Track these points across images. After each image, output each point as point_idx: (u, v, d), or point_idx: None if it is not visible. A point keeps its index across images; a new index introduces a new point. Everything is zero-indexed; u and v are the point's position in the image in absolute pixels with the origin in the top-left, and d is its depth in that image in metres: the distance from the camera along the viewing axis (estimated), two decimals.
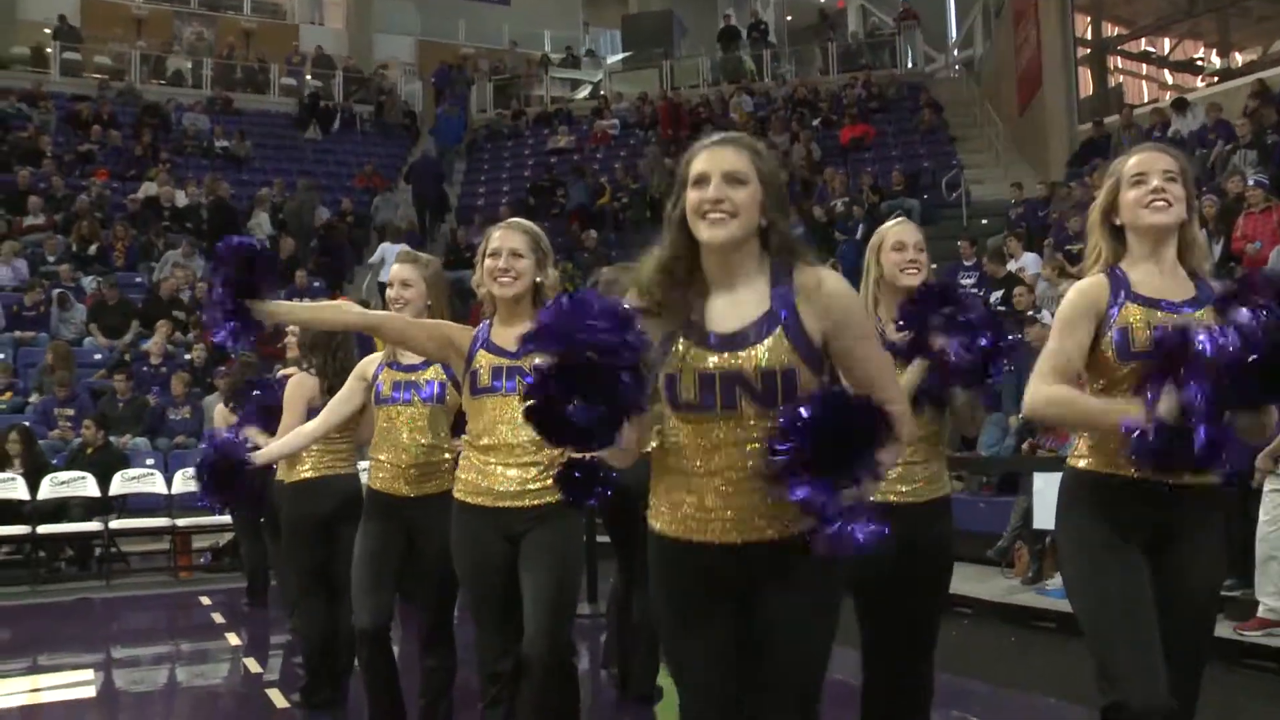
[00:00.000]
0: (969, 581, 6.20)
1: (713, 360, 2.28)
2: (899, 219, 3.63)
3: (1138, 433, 2.55)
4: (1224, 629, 5.73)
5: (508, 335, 3.48)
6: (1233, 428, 2.52)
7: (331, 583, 5.08)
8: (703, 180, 2.28)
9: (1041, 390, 2.77)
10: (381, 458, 4.08)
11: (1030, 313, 9.86)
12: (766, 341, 2.26)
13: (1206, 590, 2.81)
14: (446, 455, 4.03)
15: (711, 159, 2.29)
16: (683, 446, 2.33)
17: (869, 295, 3.49)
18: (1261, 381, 2.44)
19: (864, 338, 2.34)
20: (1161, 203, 2.76)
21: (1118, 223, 2.85)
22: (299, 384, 4.96)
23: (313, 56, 23.32)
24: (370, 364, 4.20)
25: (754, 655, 2.36)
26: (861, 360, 2.31)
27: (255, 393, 5.72)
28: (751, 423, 2.27)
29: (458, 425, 3.96)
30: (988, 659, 6.03)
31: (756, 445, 2.26)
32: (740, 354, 2.26)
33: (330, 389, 4.60)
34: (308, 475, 4.94)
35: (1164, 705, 2.61)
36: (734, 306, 2.30)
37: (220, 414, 7.87)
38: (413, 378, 4.04)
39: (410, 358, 4.07)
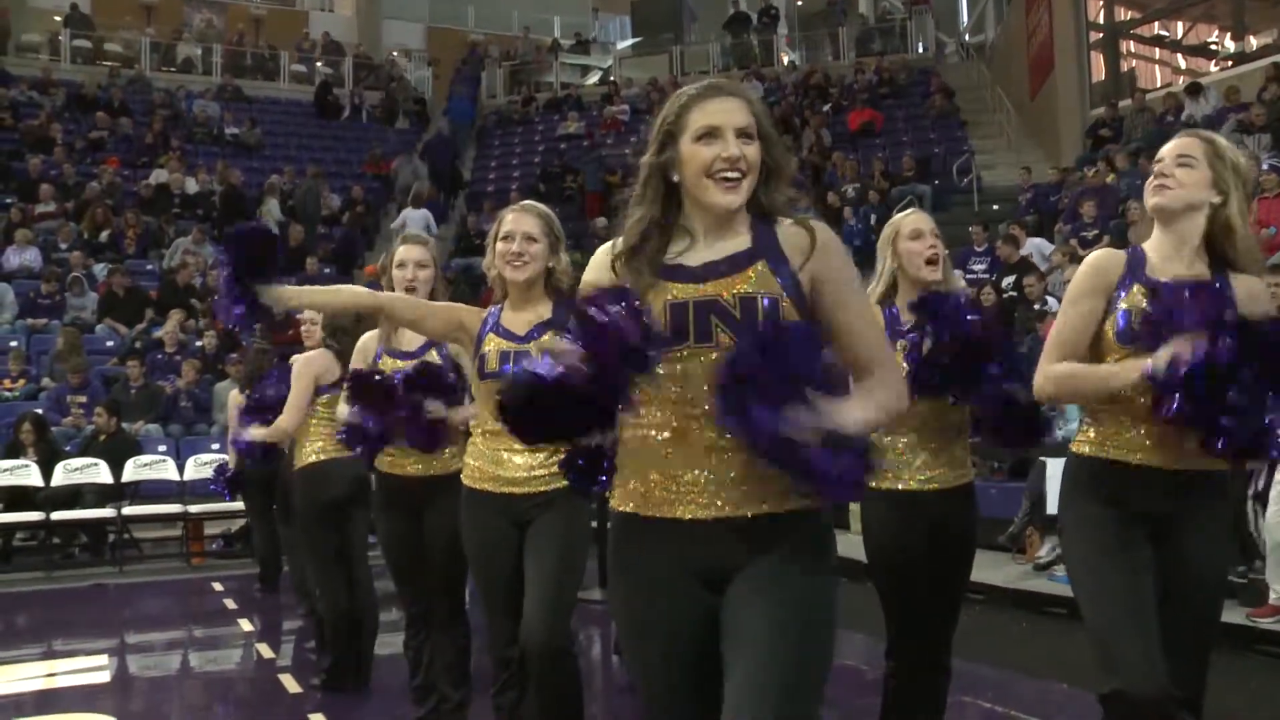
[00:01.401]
0: (981, 567, 6.12)
1: (688, 289, 2.10)
2: (911, 209, 3.64)
3: (1165, 377, 2.51)
4: (1237, 615, 5.73)
5: (518, 320, 3.47)
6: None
7: (350, 565, 5.11)
8: (713, 135, 2.11)
9: (1045, 370, 2.78)
10: None
11: (1038, 305, 9.83)
12: (747, 270, 2.10)
13: (1211, 578, 2.80)
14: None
15: (722, 113, 2.12)
16: (654, 402, 2.09)
17: (884, 286, 3.49)
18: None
19: (856, 290, 2.17)
20: (1161, 185, 2.76)
21: None
22: (308, 361, 4.96)
23: (322, 43, 23.30)
24: (366, 350, 4.17)
25: (737, 655, 2.06)
26: (855, 313, 2.13)
27: (270, 381, 5.75)
28: None
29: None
30: (999, 644, 6.02)
31: None
32: (718, 282, 2.10)
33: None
34: (315, 460, 4.96)
35: (1162, 693, 2.61)
36: (713, 248, 2.15)
37: (234, 401, 7.89)
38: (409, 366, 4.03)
39: (408, 344, 4.06)
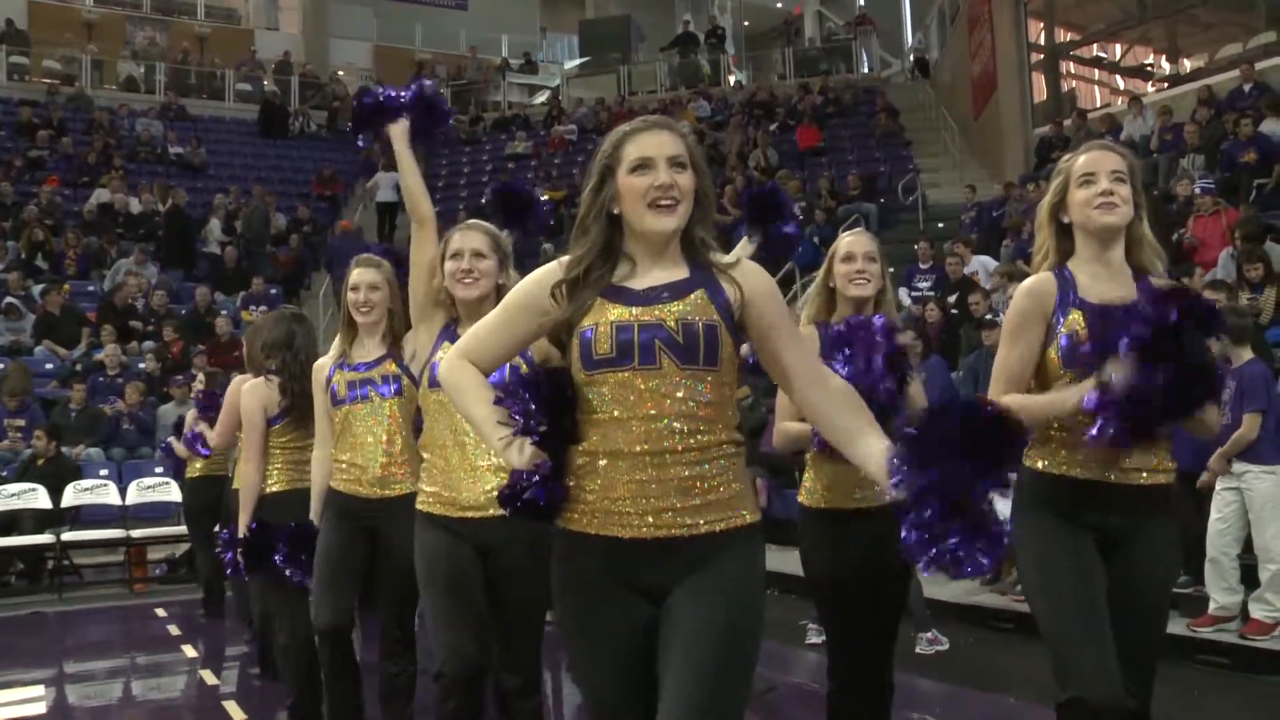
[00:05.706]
0: (927, 583, 6.23)
1: (632, 312, 2.20)
2: (857, 229, 3.68)
3: (1100, 405, 2.59)
4: (1178, 625, 5.81)
5: None
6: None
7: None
8: (646, 166, 2.22)
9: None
10: (343, 459, 4.01)
11: (989, 316, 9.91)
12: (689, 297, 2.22)
13: (1158, 589, 2.84)
14: (411, 456, 3.95)
15: (654, 144, 2.23)
16: (594, 423, 2.19)
17: (817, 304, 3.53)
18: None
19: (786, 316, 2.30)
20: (1109, 204, 2.78)
21: (1065, 220, 2.88)
22: (253, 391, 4.68)
23: (269, 63, 23.07)
24: (321, 370, 4.14)
25: (670, 666, 2.16)
26: (788, 338, 2.27)
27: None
28: (673, 382, 2.16)
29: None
30: (946, 659, 6.07)
31: (675, 424, 2.15)
32: (661, 307, 2.20)
33: (289, 391, 4.50)
34: (278, 488, 4.78)
35: (1119, 700, 2.64)
36: (653, 274, 2.26)
37: (190, 419, 7.75)
38: (368, 375, 3.99)
39: (363, 356, 4.04)
